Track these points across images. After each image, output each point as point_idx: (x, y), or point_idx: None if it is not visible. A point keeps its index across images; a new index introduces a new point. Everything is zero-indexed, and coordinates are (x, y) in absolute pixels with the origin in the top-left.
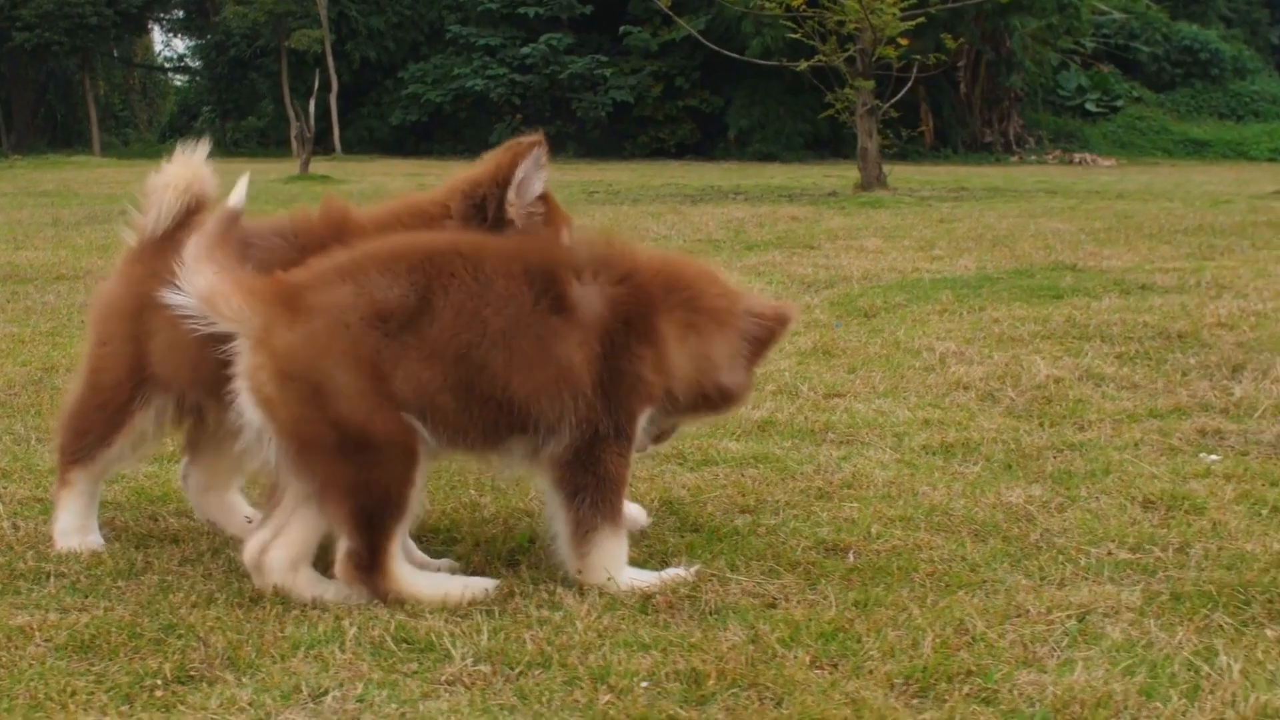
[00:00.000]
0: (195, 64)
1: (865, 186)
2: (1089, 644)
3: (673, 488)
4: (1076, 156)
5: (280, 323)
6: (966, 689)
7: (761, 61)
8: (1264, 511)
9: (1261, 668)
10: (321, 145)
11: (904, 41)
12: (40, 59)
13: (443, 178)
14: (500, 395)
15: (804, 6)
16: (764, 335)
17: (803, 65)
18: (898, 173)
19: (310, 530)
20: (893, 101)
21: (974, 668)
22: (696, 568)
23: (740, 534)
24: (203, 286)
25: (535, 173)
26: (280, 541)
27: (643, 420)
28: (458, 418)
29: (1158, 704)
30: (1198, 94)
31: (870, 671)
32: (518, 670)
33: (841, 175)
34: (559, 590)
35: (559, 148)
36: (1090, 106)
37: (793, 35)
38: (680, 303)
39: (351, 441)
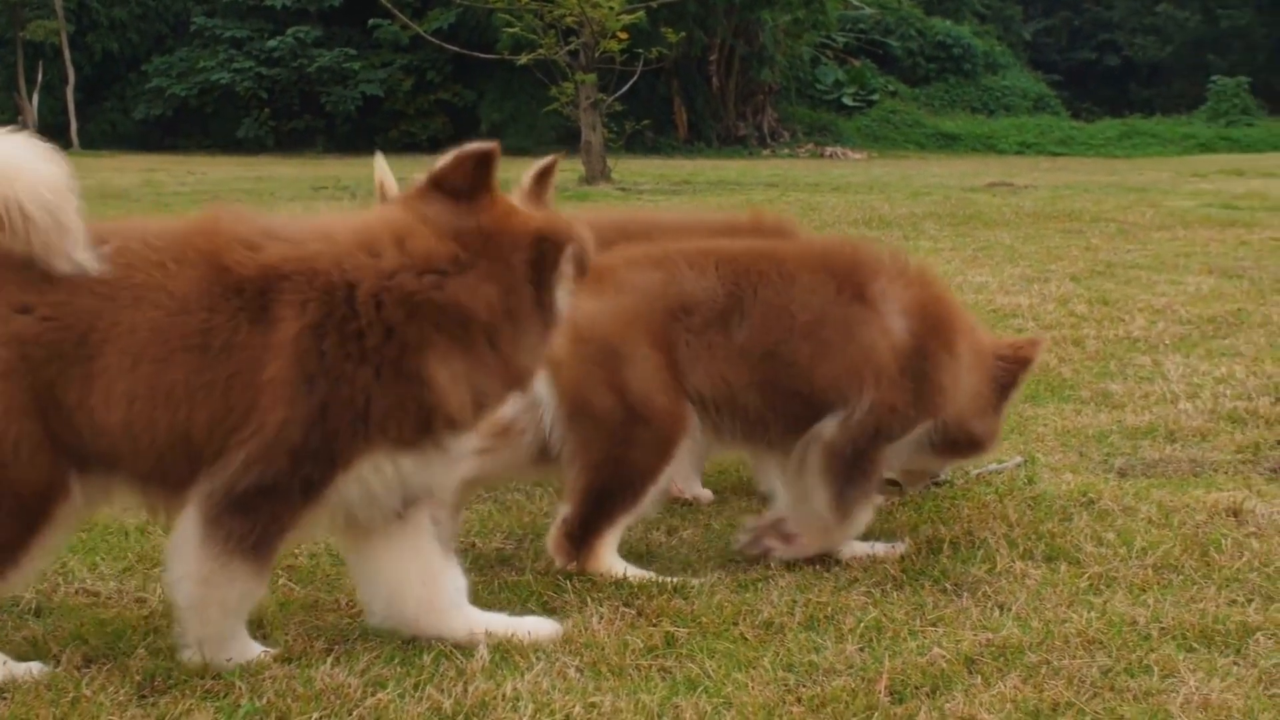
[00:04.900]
0: None
1: (589, 180)
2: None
3: None
4: (829, 150)
5: (583, 292)
6: (206, 686)
7: (483, 55)
8: None
9: (501, 663)
10: (61, 140)
11: (624, 36)
12: None
13: (182, 172)
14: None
15: (527, 1)
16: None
17: (524, 59)
18: (635, 166)
19: None
20: (616, 95)
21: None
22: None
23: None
24: None
25: None
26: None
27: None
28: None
29: (380, 695)
30: (951, 89)
31: (122, 670)
32: None
33: (578, 169)
34: None
35: (308, 142)
36: (847, 100)
37: (510, 30)
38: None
39: (625, 411)
